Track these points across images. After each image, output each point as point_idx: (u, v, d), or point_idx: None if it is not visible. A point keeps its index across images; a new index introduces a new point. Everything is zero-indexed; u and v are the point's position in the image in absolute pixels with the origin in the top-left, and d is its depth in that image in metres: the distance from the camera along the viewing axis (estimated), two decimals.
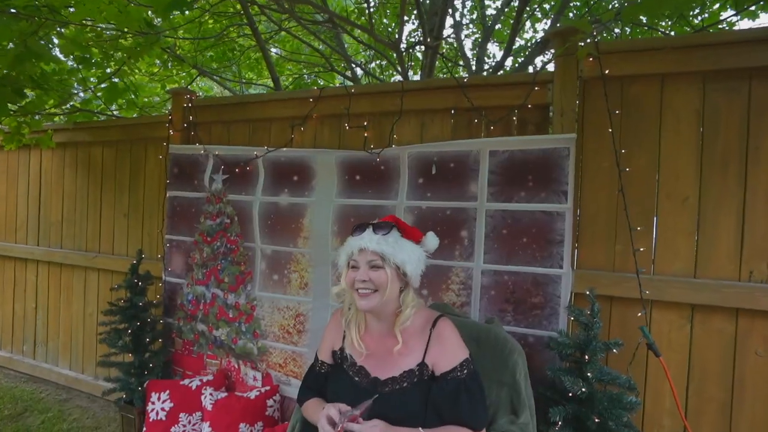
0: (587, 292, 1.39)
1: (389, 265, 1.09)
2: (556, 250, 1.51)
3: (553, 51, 1.55)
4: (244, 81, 5.13)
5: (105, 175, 2.53)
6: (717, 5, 2.90)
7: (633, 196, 1.50)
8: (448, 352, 1.09)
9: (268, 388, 1.92)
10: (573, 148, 1.49)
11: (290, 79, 4.82)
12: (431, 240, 1.17)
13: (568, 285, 1.49)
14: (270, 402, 1.87)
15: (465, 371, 1.07)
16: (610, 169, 1.54)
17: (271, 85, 4.05)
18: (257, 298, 1.99)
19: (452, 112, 1.75)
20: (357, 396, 1.04)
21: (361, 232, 1.13)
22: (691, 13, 3.01)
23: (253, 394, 1.88)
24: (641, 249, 1.43)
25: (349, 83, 4.33)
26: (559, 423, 1.27)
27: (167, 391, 1.94)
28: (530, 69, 3.40)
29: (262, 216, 1.98)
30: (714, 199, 1.45)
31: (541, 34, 4.23)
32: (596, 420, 1.23)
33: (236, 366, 2.06)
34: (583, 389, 1.24)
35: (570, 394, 1.29)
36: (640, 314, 1.35)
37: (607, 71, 1.50)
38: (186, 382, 2.00)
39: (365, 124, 1.85)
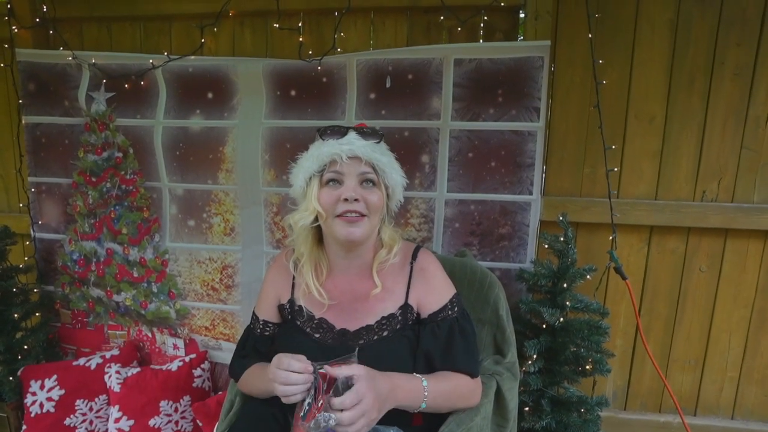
0: (559, 218, 1.27)
1: (382, 183, 0.83)
2: (526, 174, 1.36)
3: None
4: None
5: None
6: None
7: (603, 114, 1.38)
8: (436, 289, 0.88)
9: (193, 355, 1.59)
10: (547, 58, 1.31)
11: None
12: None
13: (537, 213, 1.37)
14: (197, 372, 1.56)
15: (456, 309, 0.87)
16: (582, 84, 1.40)
17: None
18: (169, 251, 1.59)
19: (407, 13, 1.45)
20: (322, 357, 0.76)
21: (339, 135, 0.82)
22: None
23: (174, 365, 1.54)
24: (615, 169, 1.34)
25: None
26: (534, 357, 1.18)
27: (54, 377, 1.51)
28: None
29: (168, 146, 1.53)
30: (678, 118, 1.40)
31: None
32: (572, 349, 1.16)
33: (149, 335, 1.68)
34: (561, 319, 1.15)
35: (543, 326, 1.20)
36: (611, 237, 1.28)
37: None
38: (81, 361, 1.58)
39: (300, 25, 1.46)
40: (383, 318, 0.86)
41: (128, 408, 1.46)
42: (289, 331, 0.90)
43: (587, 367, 1.19)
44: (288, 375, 0.70)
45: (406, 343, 0.85)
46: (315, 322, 0.88)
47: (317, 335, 0.87)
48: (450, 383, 0.82)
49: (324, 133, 0.85)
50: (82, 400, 1.52)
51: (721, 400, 1.52)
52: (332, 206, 0.81)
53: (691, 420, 1.49)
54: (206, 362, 1.60)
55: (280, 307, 0.94)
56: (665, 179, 1.42)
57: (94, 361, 1.57)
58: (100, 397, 1.54)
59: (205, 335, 1.63)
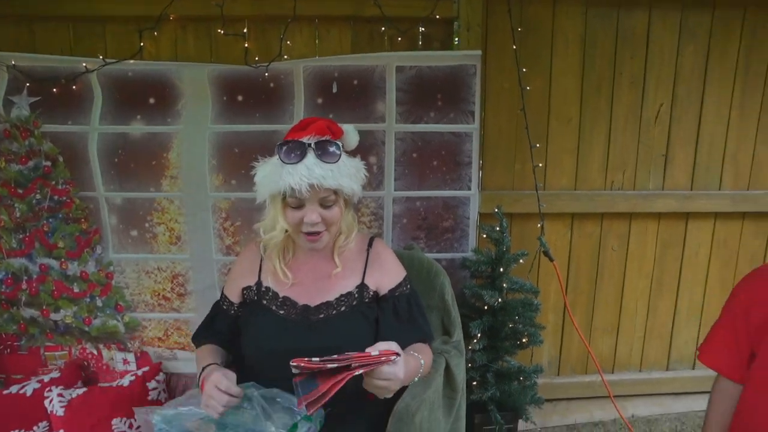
0: (495, 210, 1.43)
1: (341, 197, 0.90)
2: (465, 171, 1.50)
3: None
4: None
5: None
6: None
7: (529, 116, 1.56)
8: (392, 270, 1.00)
9: (146, 368, 1.54)
10: (479, 66, 1.45)
11: None
12: (352, 136, 0.97)
13: (475, 206, 1.52)
14: (152, 384, 1.52)
15: (409, 286, 1.01)
16: (511, 90, 1.57)
17: None
18: (113, 263, 1.53)
19: (351, 22, 1.52)
20: (286, 331, 0.91)
21: (298, 157, 0.84)
22: None
23: (126, 381, 1.49)
24: (539, 165, 1.52)
25: None
26: (478, 335, 1.32)
27: None
28: None
29: (104, 153, 1.46)
30: (590, 119, 1.62)
31: None
32: (510, 325, 1.32)
33: (95, 352, 1.59)
34: (499, 300, 1.30)
35: (485, 307, 1.35)
36: (539, 225, 1.46)
37: None
38: (14, 389, 1.46)
39: (245, 31, 1.47)
40: (342, 295, 0.95)
41: (74, 431, 1.39)
42: (255, 309, 0.97)
43: (524, 340, 1.35)
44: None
45: (362, 318, 0.95)
46: (279, 300, 0.95)
47: (282, 312, 0.94)
48: (426, 355, 0.94)
49: (282, 152, 0.85)
50: (17, 430, 1.41)
51: (631, 358, 1.79)
52: (296, 226, 0.89)
53: (609, 377, 1.74)
54: (161, 374, 1.56)
55: (246, 289, 1.00)
56: (582, 172, 1.64)
57: (30, 387, 1.46)
58: (40, 424, 1.44)
59: (159, 346, 1.58)
